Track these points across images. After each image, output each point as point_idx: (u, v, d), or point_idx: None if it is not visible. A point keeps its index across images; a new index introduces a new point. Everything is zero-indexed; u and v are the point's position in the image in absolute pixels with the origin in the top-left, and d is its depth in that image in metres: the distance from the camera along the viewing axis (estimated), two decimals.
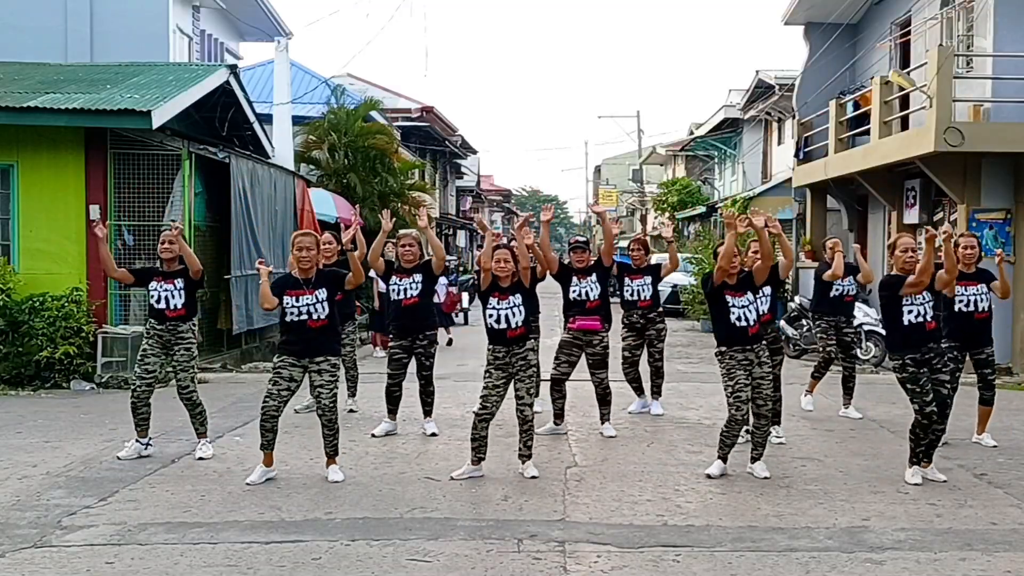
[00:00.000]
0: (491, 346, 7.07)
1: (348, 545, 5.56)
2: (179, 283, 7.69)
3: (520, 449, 7.20)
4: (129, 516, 6.10)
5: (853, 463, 7.56)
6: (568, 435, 8.64)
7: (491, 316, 6.99)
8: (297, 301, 6.91)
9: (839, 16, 18.05)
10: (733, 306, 7.03)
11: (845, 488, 6.91)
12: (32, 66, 15.02)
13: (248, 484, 6.85)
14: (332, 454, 7.11)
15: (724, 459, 7.23)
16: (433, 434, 8.55)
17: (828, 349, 9.77)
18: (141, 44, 18.21)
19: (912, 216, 15.72)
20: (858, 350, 14.30)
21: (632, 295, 9.34)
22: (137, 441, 7.79)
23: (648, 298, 9.34)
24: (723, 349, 7.08)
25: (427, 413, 8.70)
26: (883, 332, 14.15)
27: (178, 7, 19.95)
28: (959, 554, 5.52)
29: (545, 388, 9.06)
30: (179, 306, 7.69)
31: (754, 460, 7.28)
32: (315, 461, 7.51)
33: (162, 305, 7.66)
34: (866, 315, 14.49)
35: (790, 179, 20.93)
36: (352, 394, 9.91)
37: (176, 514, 6.16)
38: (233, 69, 15.16)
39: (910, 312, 6.87)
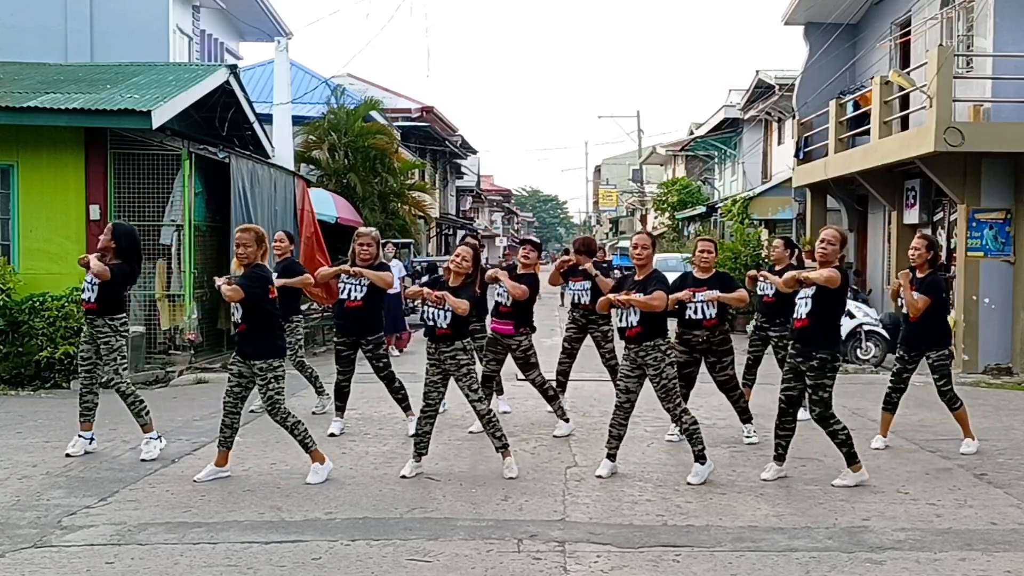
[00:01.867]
0: (426, 341, 7.25)
1: (348, 545, 5.56)
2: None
3: (494, 444, 7.26)
4: (129, 516, 6.10)
5: None
6: (568, 435, 8.63)
7: (422, 312, 7.17)
8: None
9: (839, 16, 18.05)
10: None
11: (845, 488, 6.91)
12: (32, 66, 15.04)
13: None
14: (306, 448, 6.95)
15: (612, 457, 7.25)
16: None
17: (755, 354, 9.56)
18: (141, 44, 18.24)
19: (912, 216, 15.72)
20: (858, 350, 14.33)
21: (575, 299, 9.25)
22: (80, 436, 7.82)
23: (588, 302, 9.10)
24: None
25: (405, 410, 8.64)
26: (884, 333, 14.17)
27: (178, 7, 19.96)
28: (959, 554, 5.52)
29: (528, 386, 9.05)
30: (91, 299, 7.58)
31: (696, 459, 7.17)
32: None
33: (85, 295, 7.64)
34: (866, 315, 14.49)
35: (790, 179, 20.92)
36: (320, 393, 9.69)
37: (176, 514, 6.16)
38: (233, 69, 15.16)
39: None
